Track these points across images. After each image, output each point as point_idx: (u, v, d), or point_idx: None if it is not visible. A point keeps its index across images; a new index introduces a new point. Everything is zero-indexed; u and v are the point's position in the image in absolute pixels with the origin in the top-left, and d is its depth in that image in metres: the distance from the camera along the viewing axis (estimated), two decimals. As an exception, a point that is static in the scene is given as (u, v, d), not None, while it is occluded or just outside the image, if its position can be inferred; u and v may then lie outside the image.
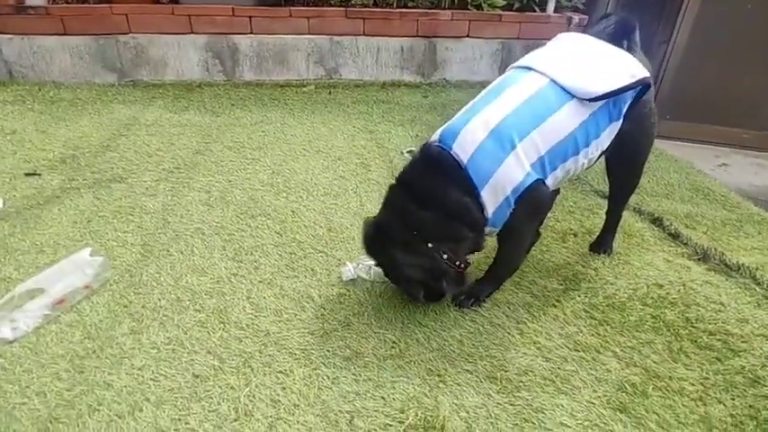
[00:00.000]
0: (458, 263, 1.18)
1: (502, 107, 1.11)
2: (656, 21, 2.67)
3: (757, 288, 1.39)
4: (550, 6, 3.18)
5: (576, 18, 3.17)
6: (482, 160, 1.09)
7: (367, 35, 3.10)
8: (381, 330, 1.22)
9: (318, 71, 3.16)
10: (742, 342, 1.22)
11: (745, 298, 1.37)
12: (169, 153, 2.17)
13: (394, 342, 1.19)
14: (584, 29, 3.23)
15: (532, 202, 1.14)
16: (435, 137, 1.17)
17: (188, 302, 1.30)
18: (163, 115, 2.59)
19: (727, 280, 1.45)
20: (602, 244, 1.57)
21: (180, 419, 0.98)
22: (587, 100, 1.09)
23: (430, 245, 1.14)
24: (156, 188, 1.87)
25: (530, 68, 1.16)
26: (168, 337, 1.18)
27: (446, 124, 1.18)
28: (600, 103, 1.11)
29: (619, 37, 1.21)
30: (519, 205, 1.12)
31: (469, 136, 1.10)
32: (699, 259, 1.52)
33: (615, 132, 1.18)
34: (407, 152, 2.26)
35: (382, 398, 1.04)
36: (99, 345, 1.15)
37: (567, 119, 1.10)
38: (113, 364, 1.10)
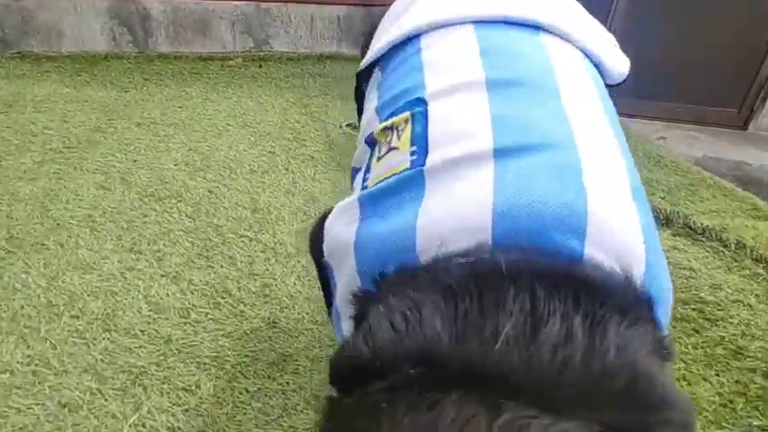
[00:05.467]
0: None
1: (601, 154, 0.49)
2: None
3: (725, 251, 1.30)
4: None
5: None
6: (657, 270, 0.46)
7: (299, 2, 2.81)
8: (315, 326, 1.00)
9: (246, 42, 2.83)
10: (718, 310, 1.11)
11: (715, 262, 1.27)
12: (60, 131, 1.80)
13: (331, 339, 0.97)
14: None
15: None
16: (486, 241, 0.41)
17: (63, 307, 1.00)
18: (57, 90, 2.18)
19: (693, 244, 1.35)
20: None
21: (31, 469, 0.71)
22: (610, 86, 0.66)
23: None
24: (38, 171, 1.52)
25: (539, 28, 0.59)
26: (28, 356, 0.89)
27: (507, 204, 0.41)
28: None
29: None
30: None
31: (622, 230, 0.45)
32: (663, 224, 1.42)
33: None
34: (347, 126, 2.03)
35: (318, 412, 0.82)
36: None
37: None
38: (-60, 398, 0.80)
